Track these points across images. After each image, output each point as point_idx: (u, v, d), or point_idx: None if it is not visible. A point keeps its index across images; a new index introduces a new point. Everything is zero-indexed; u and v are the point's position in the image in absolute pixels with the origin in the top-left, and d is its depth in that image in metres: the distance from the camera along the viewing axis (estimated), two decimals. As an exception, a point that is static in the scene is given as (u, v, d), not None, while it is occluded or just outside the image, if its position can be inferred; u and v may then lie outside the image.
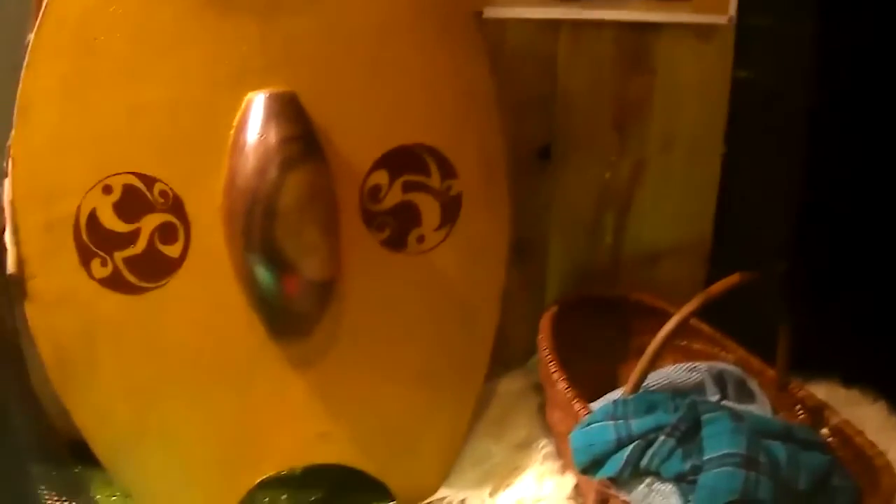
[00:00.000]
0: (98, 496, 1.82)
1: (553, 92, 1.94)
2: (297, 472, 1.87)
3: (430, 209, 1.62)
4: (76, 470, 1.67)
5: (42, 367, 1.56)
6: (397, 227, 1.61)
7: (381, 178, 1.58)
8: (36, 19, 1.45)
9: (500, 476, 1.78)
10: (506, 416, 1.89)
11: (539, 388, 1.89)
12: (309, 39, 1.51)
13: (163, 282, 1.54)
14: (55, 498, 1.62)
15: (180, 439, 1.66)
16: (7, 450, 1.53)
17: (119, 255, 1.51)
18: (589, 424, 1.48)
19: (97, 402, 1.59)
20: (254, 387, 1.64)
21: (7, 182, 1.50)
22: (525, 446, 1.82)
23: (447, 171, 1.61)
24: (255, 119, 1.49)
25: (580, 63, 1.94)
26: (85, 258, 1.50)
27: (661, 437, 1.40)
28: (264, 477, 1.73)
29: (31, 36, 1.46)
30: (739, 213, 2.07)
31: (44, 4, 1.44)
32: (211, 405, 1.64)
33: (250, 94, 1.50)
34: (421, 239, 1.63)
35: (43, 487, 1.60)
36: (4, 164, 1.51)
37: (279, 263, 1.51)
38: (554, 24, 1.90)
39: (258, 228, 1.49)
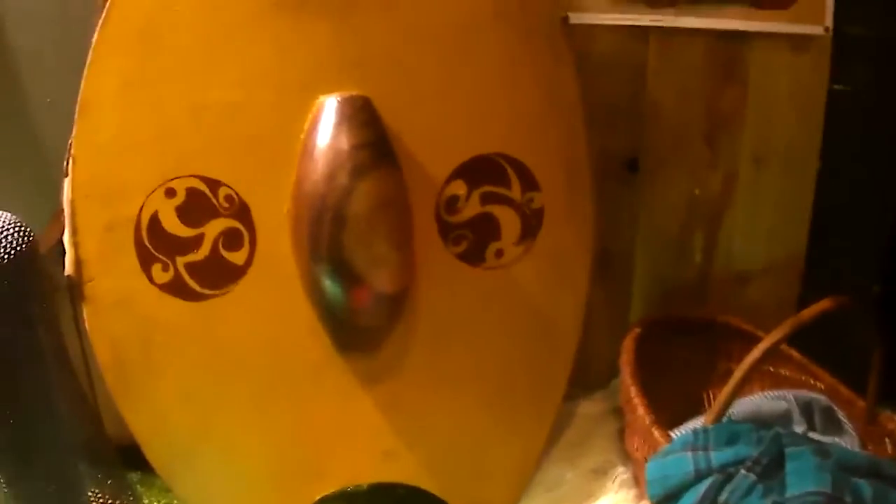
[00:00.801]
0: (154, 503, 1.81)
1: (641, 102, 1.85)
2: (360, 489, 1.81)
3: (509, 222, 1.54)
4: (126, 475, 1.62)
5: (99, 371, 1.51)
6: (475, 241, 1.53)
7: (459, 188, 1.50)
8: (100, 18, 1.39)
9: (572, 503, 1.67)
10: (583, 440, 1.81)
11: (619, 412, 1.79)
12: (384, 42, 1.44)
13: (226, 289, 1.48)
14: (104, 500, 1.56)
15: (239, 450, 1.60)
16: (58, 451, 1.47)
17: (181, 261, 1.45)
18: (666, 455, 1.41)
19: (153, 409, 1.55)
20: (318, 400, 1.57)
21: (67, 182, 1.46)
22: (600, 473, 1.74)
23: (529, 182, 1.52)
24: (326, 123, 1.42)
25: (670, 72, 1.85)
26: (145, 262, 1.45)
27: (742, 472, 1.32)
28: (325, 493, 1.67)
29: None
30: (834, 232, 1.97)
31: (108, 2, 1.38)
32: (272, 417, 1.57)
33: (322, 98, 1.43)
34: (500, 253, 1.55)
35: (93, 490, 1.54)
36: (65, 164, 1.46)
37: (347, 275, 1.45)
38: (643, 32, 1.81)
39: (326, 237, 1.42)
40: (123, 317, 1.48)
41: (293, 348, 1.52)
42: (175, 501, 1.79)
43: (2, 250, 1.35)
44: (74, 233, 1.45)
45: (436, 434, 1.64)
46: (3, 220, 1.39)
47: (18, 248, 1.36)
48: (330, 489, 1.67)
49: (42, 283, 1.42)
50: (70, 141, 1.43)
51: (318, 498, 1.66)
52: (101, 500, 1.56)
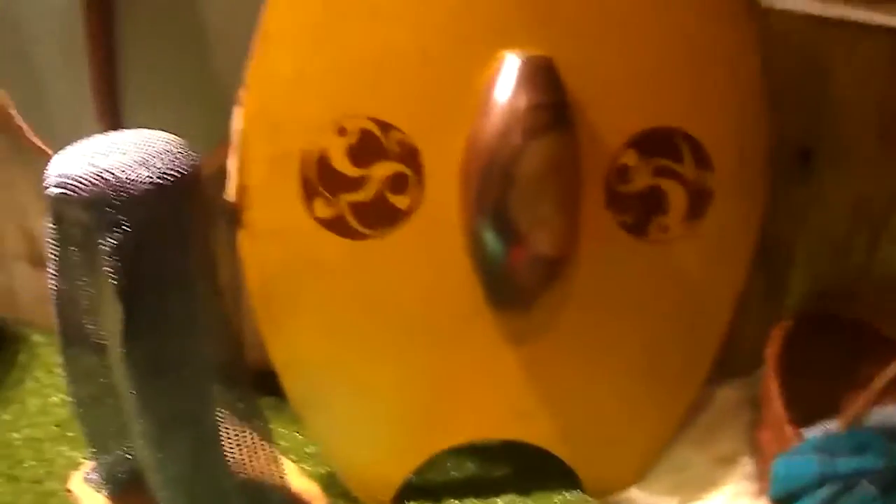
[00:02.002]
0: (282, 430, 1.84)
1: (821, 94, 1.77)
2: (488, 445, 1.82)
3: (678, 199, 1.50)
4: (258, 400, 1.60)
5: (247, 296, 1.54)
6: (641, 213, 1.50)
7: (631, 158, 1.47)
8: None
9: (694, 488, 1.70)
10: (715, 427, 1.79)
11: (756, 403, 1.77)
12: (571, 4, 1.40)
13: (386, 232, 1.48)
14: (236, 424, 1.58)
15: (373, 391, 1.62)
16: (193, 368, 1.49)
17: (345, 198, 1.45)
18: (794, 454, 1.40)
19: (295, 339, 1.57)
20: (460, 352, 1.57)
21: (238, 110, 1.46)
22: (727, 462, 1.73)
23: (702, 161, 1.49)
24: (506, 80, 1.40)
25: (854, 68, 1.77)
26: (309, 196, 1.45)
27: (864, 483, 1.30)
28: (453, 444, 1.69)
29: None
30: None
31: None
32: (411, 363, 1.59)
33: (504, 53, 1.40)
34: (664, 228, 1.51)
35: (223, 410, 1.56)
36: (238, 93, 1.47)
37: (510, 232, 1.44)
38: (831, 23, 1.72)
39: (493, 193, 1.41)
40: (279, 246, 1.49)
41: (444, 298, 1.52)
42: (302, 431, 1.85)
43: (167, 171, 1.36)
44: (241, 161, 1.46)
45: (572, 400, 1.63)
46: (168, 142, 1.40)
47: (183, 171, 1.37)
48: (460, 440, 1.69)
49: (201, 206, 1.44)
50: (245, 71, 1.43)
51: (444, 448, 1.68)
52: (233, 425, 1.58)
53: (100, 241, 1.34)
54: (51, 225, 1.44)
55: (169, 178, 1.35)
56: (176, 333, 1.45)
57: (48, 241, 1.45)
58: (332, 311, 1.53)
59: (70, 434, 2.02)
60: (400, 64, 1.40)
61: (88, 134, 1.48)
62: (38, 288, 2.39)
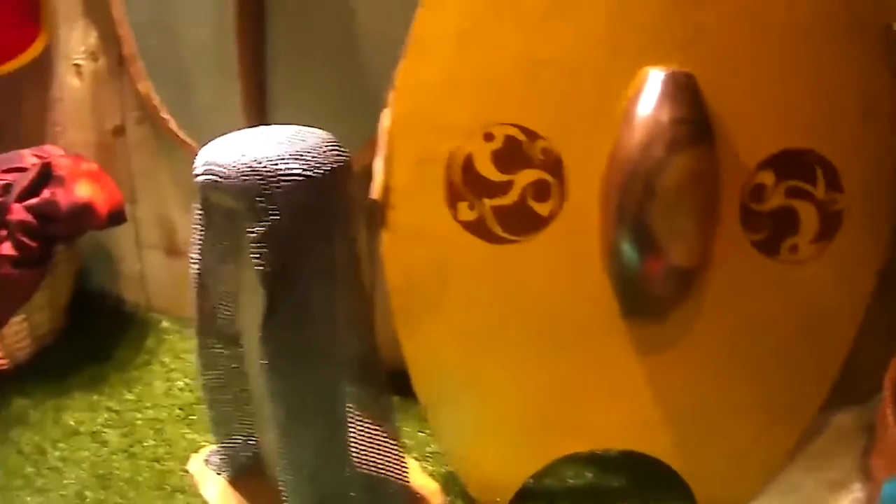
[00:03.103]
0: (406, 428, 1.89)
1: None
2: (608, 454, 1.86)
3: (809, 220, 1.53)
4: (390, 398, 1.67)
5: (385, 295, 1.59)
6: (773, 232, 1.53)
7: (767, 177, 1.50)
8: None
9: (803, 511, 1.65)
10: (828, 452, 1.79)
11: (871, 430, 1.75)
12: (712, 24, 1.44)
13: (526, 237, 1.53)
14: (363, 418, 1.64)
15: (501, 394, 1.65)
16: (328, 362, 1.55)
17: (488, 203, 1.51)
18: None
19: (430, 339, 1.61)
20: (590, 358, 1.61)
21: (387, 112, 1.52)
22: (838, 486, 1.72)
23: (834, 183, 1.51)
24: (649, 94, 1.45)
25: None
26: (453, 199, 1.51)
27: None
28: (575, 451, 1.72)
29: None
30: None
31: None
32: (540, 367, 1.62)
33: (648, 69, 1.45)
34: (794, 248, 1.54)
35: (352, 405, 1.62)
36: (387, 95, 1.52)
37: (647, 243, 1.48)
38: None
39: (633, 204, 1.45)
40: (421, 247, 1.55)
41: (578, 305, 1.56)
42: (424, 430, 1.91)
43: (318, 165, 1.42)
44: (387, 161, 1.52)
45: (693, 414, 1.65)
46: (320, 137, 1.46)
47: (332, 166, 1.43)
48: (580, 448, 1.72)
49: (348, 202, 1.49)
50: (394, 73, 1.49)
51: (564, 454, 1.70)
52: (362, 419, 1.63)
53: (248, 229, 1.40)
54: (198, 211, 1.51)
55: (320, 171, 1.41)
56: (316, 324, 1.50)
57: (194, 227, 1.53)
58: (468, 313, 1.58)
59: (192, 417, 2.11)
60: (547, 74, 1.46)
61: (233, 130, 1.55)
62: (170, 276, 2.50)
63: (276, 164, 1.40)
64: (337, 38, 1.88)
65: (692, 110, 1.44)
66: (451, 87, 1.47)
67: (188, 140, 2.11)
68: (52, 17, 2.47)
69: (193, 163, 1.42)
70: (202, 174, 1.45)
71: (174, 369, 2.33)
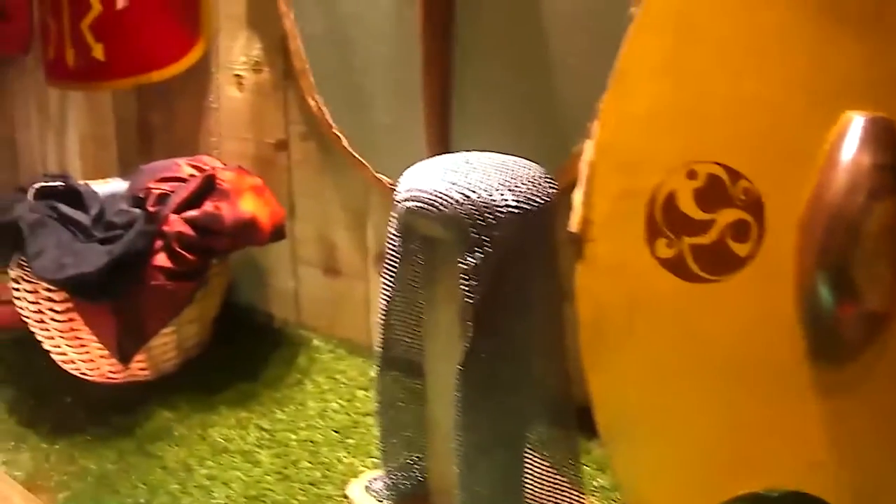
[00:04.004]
0: (590, 468, 2.01)
1: None
2: (776, 495, 1.94)
3: None
4: (577, 437, 1.80)
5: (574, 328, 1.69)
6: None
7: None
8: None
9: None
10: None
11: None
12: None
13: (722, 277, 1.64)
14: (544, 459, 1.77)
15: (680, 430, 1.76)
16: (517, 397, 1.68)
17: (687, 241, 1.63)
18: None
19: (615, 375, 1.73)
20: (772, 399, 1.71)
21: (590, 143, 1.64)
22: None
23: None
24: (850, 139, 1.57)
25: None
26: (652, 235, 1.63)
27: None
28: (746, 491, 1.80)
29: (634, 8, 1.62)
30: None
31: None
32: (722, 405, 1.73)
33: (849, 113, 1.57)
34: None
35: (536, 441, 1.75)
36: (590, 126, 1.65)
37: (845, 287, 1.59)
38: None
39: (835, 249, 1.57)
40: (615, 282, 1.67)
41: (765, 345, 1.67)
42: (594, 465, 2.02)
43: (531, 196, 1.55)
44: (588, 193, 1.64)
45: (868, 459, 1.74)
46: (532, 168, 1.60)
47: (547, 199, 1.57)
48: (754, 487, 1.81)
49: (552, 234, 1.63)
50: (598, 105, 1.62)
51: (735, 494, 1.80)
52: (543, 461, 1.77)
53: (459, 260, 1.51)
54: (394, 238, 1.63)
55: (535, 204, 1.54)
56: (516, 358, 1.62)
57: (388, 253, 1.64)
58: (655, 349, 1.69)
59: (350, 441, 2.24)
60: (751, 114, 1.58)
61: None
62: (326, 295, 2.66)
63: (492, 195, 1.51)
64: (529, 62, 1.97)
65: (893, 157, 1.55)
66: (657, 120, 1.59)
67: (361, 159, 2.22)
68: (212, 26, 2.66)
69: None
70: (408, 200, 1.57)
71: (328, 390, 2.46)
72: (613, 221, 1.64)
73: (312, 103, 2.37)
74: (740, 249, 1.63)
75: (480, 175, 1.56)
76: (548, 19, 1.93)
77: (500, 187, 1.54)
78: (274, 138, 2.66)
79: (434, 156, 1.98)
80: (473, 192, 1.53)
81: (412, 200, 1.57)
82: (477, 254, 1.52)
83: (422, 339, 1.79)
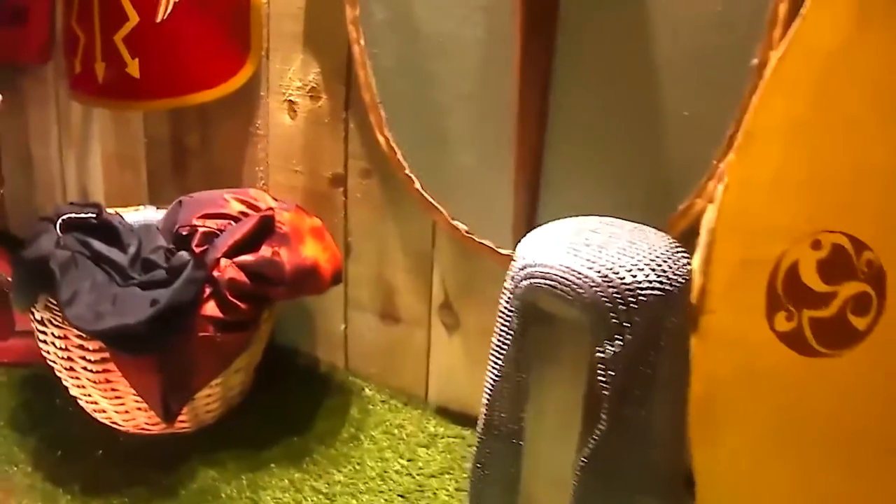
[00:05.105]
0: None
1: None
2: None
3: None
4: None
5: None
6: None
7: None
8: (764, 40, 1.71)
9: None
10: None
11: None
12: None
13: (840, 352, 1.72)
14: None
15: None
16: (641, 481, 1.74)
17: (807, 314, 1.70)
18: None
19: (724, 450, 1.81)
20: (883, 478, 1.79)
21: (712, 208, 1.72)
22: None
23: None
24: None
25: None
26: (772, 307, 1.71)
27: None
28: None
29: (756, 60, 1.72)
30: None
31: (790, 33, 1.66)
32: (830, 481, 1.81)
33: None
34: None
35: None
36: (713, 188, 1.74)
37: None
38: None
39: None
40: (731, 355, 1.75)
41: (879, 422, 1.75)
42: None
43: (673, 276, 1.60)
44: (707, 262, 1.72)
45: None
46: (665, 239, 1.64)
47: (686, 277, 1.62)
48: None
49: (686, 312, 1.68)
50: (713, 162, 1.73)
51: None
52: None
53: (597, 348, 1.52)
54: (508, 311, 1.66)
55: (677, 283, 1.57)
56: (640, 444, 1.66)
57: (500, 328, 1.69)
58: (767, 425, 1.77)
59: None
60: (874, 182, 1.66)
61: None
62: (380, 341, 2.68)
63: (635, 276, 1.53)
64: (635, 109, 2.00)
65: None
66: (783, 187, 1.67)
67: (437, 203, 2.26)
68: (262, 45, 2.68)
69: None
70: (532, 278, 1.58)
71: (386, 447, 2.46)
72: (733, 292, 1.72)
73: (382, 140, 2.38)
74: (860, 323, 1.71)
75: (616, 250, 1.57)
76: (657, 65, 1.97)
77: (644, 266, 1.56)
78: (330, 172, 2.67)
79: (522, 204, 2.11)
80: (615, 272, 1.53)
81: (540, 278, 1.57)
82: (617, 342, 1.53)
83: (523, 415, 1.82)
